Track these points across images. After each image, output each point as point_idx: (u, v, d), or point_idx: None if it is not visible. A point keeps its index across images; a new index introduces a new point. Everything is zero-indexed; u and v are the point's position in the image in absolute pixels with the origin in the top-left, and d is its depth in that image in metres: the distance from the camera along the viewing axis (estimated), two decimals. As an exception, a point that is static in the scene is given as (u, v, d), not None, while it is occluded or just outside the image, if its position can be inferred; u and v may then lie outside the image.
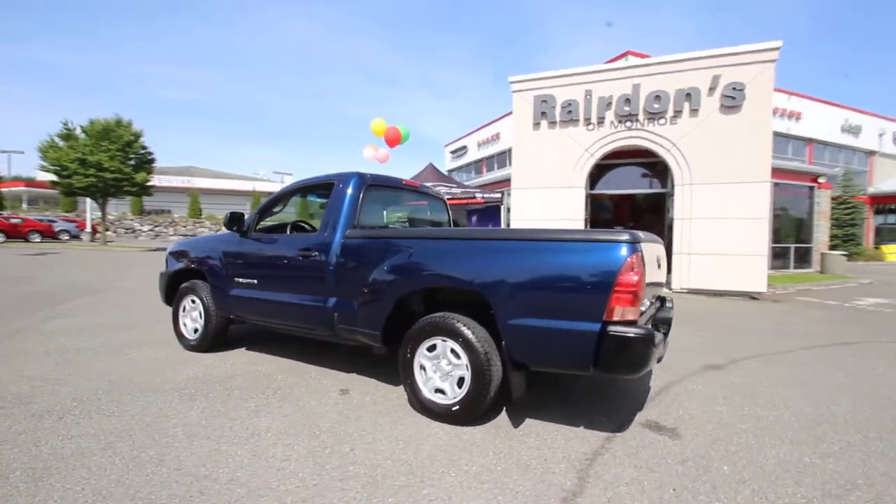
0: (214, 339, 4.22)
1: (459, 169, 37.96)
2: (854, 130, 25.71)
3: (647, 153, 10.24)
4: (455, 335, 2.72)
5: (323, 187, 3.68)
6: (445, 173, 14.03)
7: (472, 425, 2.78)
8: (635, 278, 2.26)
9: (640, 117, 9.90)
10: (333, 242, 3.35)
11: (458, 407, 2.74)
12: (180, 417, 2.81)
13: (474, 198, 12.02)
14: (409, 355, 2.92)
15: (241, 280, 3.89)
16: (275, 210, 4.11)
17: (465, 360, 2.71)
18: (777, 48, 8.79)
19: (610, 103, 10.11)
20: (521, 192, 11.15)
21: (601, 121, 10.27)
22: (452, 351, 2.77)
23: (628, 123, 10.05)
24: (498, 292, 2.56)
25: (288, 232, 4.16)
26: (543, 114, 10.70)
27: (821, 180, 15.37)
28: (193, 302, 4.29)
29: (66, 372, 3.61)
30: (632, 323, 2.31)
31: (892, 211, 25.37)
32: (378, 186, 3.71)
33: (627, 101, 9.93)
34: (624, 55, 19.25)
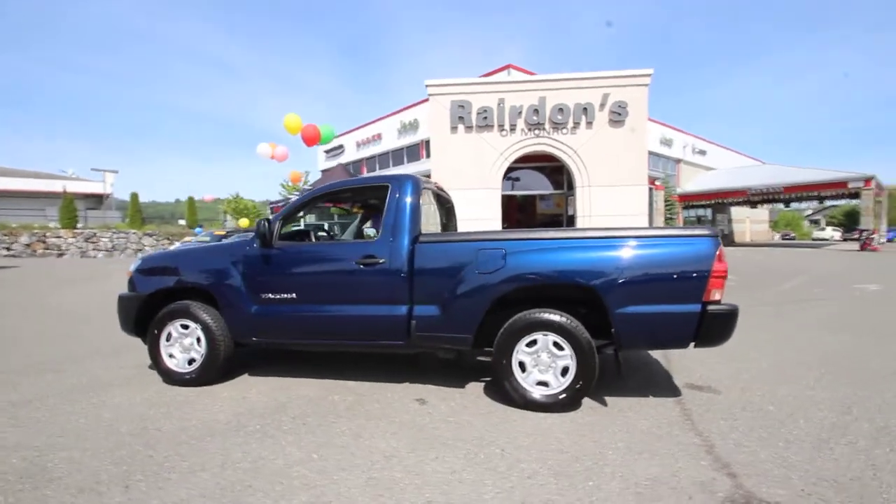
0: (222, 370, 3.61)
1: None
2: (668, 143, 32.52)
3: (552, 158, 11.52)
4: (559, 328, 2.92)
5: (372, 190, 3.45)
6: (350, 171, 13.56)
7: (571, 411, 3.01)
8: (725, 265, 2.78)
9: (547, 126, 11.10)
10: (402, 248, 3.22)
11: (564, 395, 2.94)
12: (283, 457, 2.44)
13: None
14: (506, 354, 3.01)
15: (270, 296, 3.41)
16: (299, 216, 3.69)
17: (568, 350, 2.93)
18: (649, 74, 10.77)
19: (521, 112, 11.09)
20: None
21: (513, 128, 11.20)
22: (555, 343, 2.96)
23: (537, 131, 11.17)
24: (608, 285, 2.85)
25: (313, 239, 3.78)
26: (461, 118, 11.20)
27: (657, 183, 19.11)
28: (185, 328, 3.58)
29: (47, 432, 2.74)
30: (719, 302, 2.83)
31: (693, 206, 33.01)
32: (423, 189, 3.65)
33: (536, 111, 11.03)
34: (505, 68, 21.08)
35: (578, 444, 2.56)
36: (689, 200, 31.73)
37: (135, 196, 28.82)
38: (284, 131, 10.31)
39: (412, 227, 3.29)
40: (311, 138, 10.40)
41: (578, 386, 2.92)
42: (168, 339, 3.63)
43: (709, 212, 36.10)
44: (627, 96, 10.79)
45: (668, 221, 29.14)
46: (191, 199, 32.21)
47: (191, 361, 3.59)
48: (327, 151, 37.03)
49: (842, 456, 2.41)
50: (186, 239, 22.91)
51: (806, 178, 25.97)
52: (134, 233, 24.90)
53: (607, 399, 3.20)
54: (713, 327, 2.79)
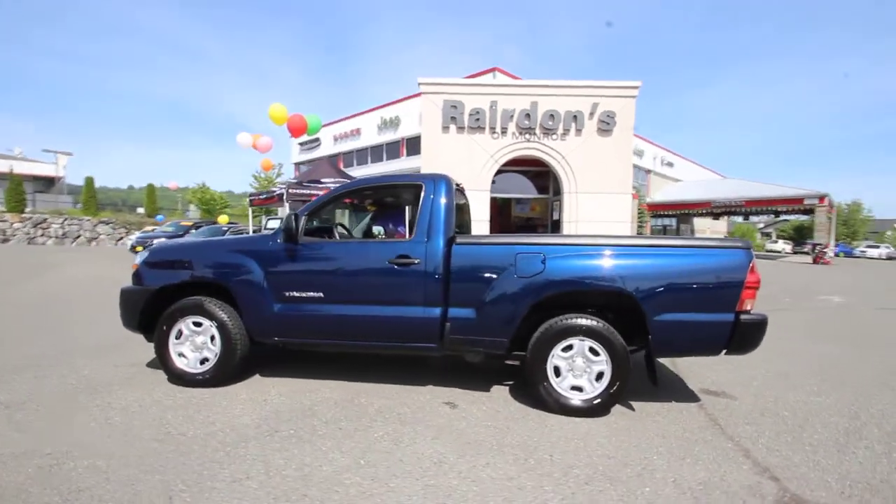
0: (237, 369, 3.44)
1: (311, 162, 35.83)
2: (639, 153, 33.64)
3: (539, 163, 11.69)
4: (596, 334, 2.95)
5: (404, 189, 3.37)
6: (334, 167, 13.24)
7: (603, 416, 3.04)
8: (758, 276, 2.88)
9: (538, 131, 11.25)
10: (438, 249, 3.16)
11: (599, 400, 2.98)
12: (329, 463, 2.35)
13: (380, 196, 11.78)
14: (540, 359, 3.01)
15: (295, 294, 3.27)
16: (324, 213, 3.56)
17: (604, 356, 2.97)
18: (637, 86, 11.11)
19: (512, 116, 11.20)
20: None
21: (504, 131, 11.30)
22: (591, 349, 2.99)
23: (527, 136, 11.31)
24: (647, 293, 2.90)
25: (336, 236, 3.66)
26: (453, 118, 11.19)
27: (633, 192, 19.73)
28: (197, 325, 3.39)
29: (56, 438, 2.52)
30: (749, 311, 2.94)
31: (661, 216, 34.30)
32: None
33: (527, 115, 11.16)
34: (491, 70, 21.22)
35: (622, 448, 2.59)
36: (657, 210, 32.97)
37: (90, 180, 27.02)
38: (269, 121, 9.96)
39: (447, 227, 3.25)
40: (298, 129, 10.10)
41: (613, 391, 2.96)
42: (178, 337, 3.42)
43: (674, 221, 37.62)
44: (616, 106, 11.09)
45: (639, 230, 30.16)
46: (151, 187, 30.46)
47: (203, 361, 3.40)
48: (302, 144, 36.12)
49: (865, 459, 2.55)
50: (148, 228, 21.76)
51: (766, 194, 27.51)
52: (88, 220, 23.30)
53: (637, 405, 3.26)
54: (745, 336, 2.90)
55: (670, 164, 39.14)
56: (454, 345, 3.18)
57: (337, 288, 3.26)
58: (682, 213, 33.27)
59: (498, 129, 11.29)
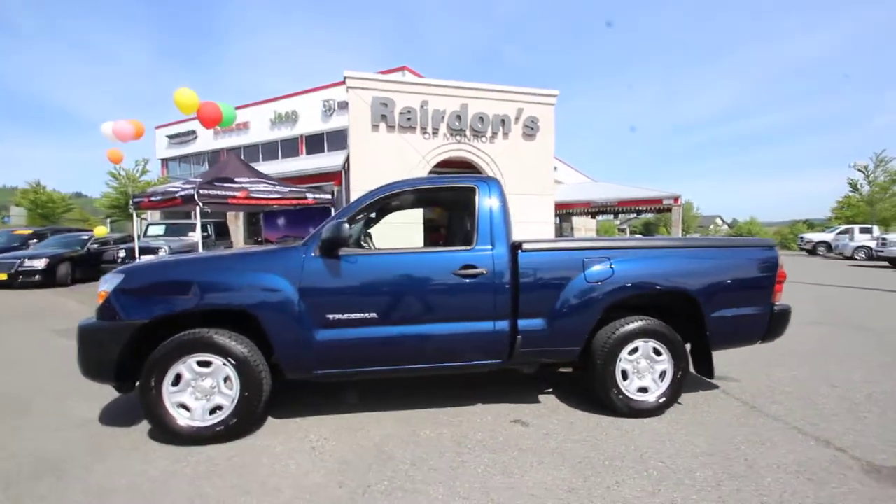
0: (261, 415, 2.79)
1: (184, 159, 31.42)
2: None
3: (471, 165, 11.84)
4: (661, 335, 3.03)
5: (454, 192, 3.03)
6: (245, 164, 11.66)
7: (664, 413, 3.13)
8: (785, 272, 3.23)
9: (468, 133, 11.37)
10: (504, 257, 2.94)
11: (663, 399, 3.06)
12: (463, 513, 2.01)
13: (304, 198, 10.73)
14: (610, 364, 2.99)
15: (340, 317, 2.75)
16: (358, 219, 3.06)
17: (666, 355, 3.06)
18: (555, 95, 11.89)
19: (444, 116, 11.14)
20: (360, 193, 10.80)
21: (436, 131, 11.19)
22: (655, 350, 3.06)
23: (458, 137, 11.36)
24: (704, 291, 3.05)
25: (371, 246, 3.18)
26: (383, 116, 10.74)
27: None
28: (204, 365, 2.66)
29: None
30: (779, 303, 3.28)
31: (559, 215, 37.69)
32: None
33: (458, 117, 11.21)
34: (401, 69, 20.81)
35: (709, 443, 2.69)
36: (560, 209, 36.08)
37: None
38: (176, 109, 8.34)
39: (509, 233, 3.04)
40: (211, 119, 8.66)
41: (676, 388, 3.07)
42: (176, 384, 2.65)
43: (558, 220, 41.38)
44: (538, 112, 11.74)
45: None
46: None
47: (215, 410, 2.69)
48: (171, 137, 31.47)
49: (879, 418, 3.01)
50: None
51: (634, 195, 31.74)
52: None
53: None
54: (778, 325, 3.23)
55: (555, 168, 43.00)
56: (524, 358, 3.00)
57: (393, 306, 2.82)
58: (566, 212, 36.84)
59: (430, 130, 11.13)
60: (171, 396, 2.64)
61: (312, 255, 2.80)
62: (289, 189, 10.65)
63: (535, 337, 2.95)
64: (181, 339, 2.64)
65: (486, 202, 3.07)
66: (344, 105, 23.76)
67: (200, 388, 2.68)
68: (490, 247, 2.95)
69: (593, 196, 34.72)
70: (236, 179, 10.13)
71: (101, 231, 13.20)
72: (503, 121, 11.48)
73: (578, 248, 3.04)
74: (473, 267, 2.88)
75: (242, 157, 27.93)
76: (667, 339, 3.05)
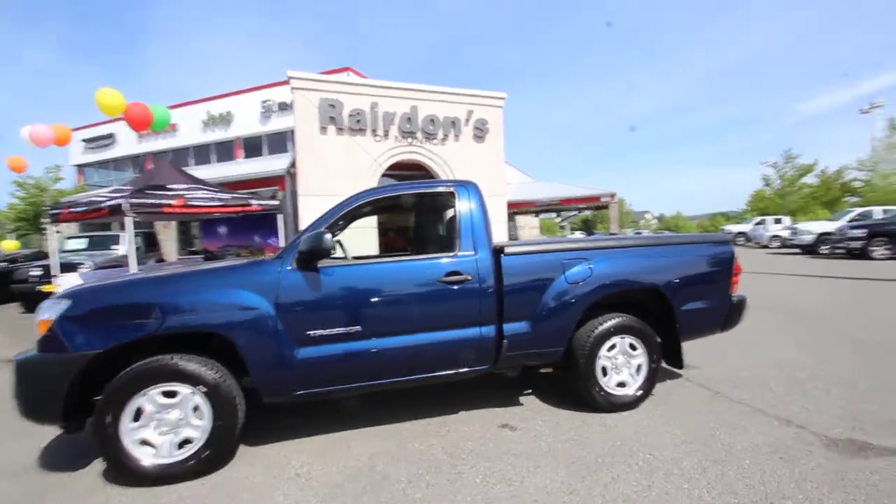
0: (237, 445, 2.56)
1: (103, 164, 28.68)
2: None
3: (422, 168, 11.78)
4: (636, 331, 3.16)
5: (433, 197, 2.95)
6: (179, 170, 10.80)
7: (640, 405, 3.26)
8: (740, 265, 3.48)
9: (419, 136, 11.31)
10: (488, 261, 2.92)
11: (641, 391, 3.19)
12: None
13: (248, 205, 10.11)
14: (591, 362, 3.07)
15: (322, 332, 2.59)
16: (338, 227, 2.90)
17: (641, 349, 3.19)
18: (503, 97, 12.14)
19: (394, 118, 11.00)
20: (310, 199, 10.43)
21: (387, 133, 11.02)
22: (630, 345, 3.18)
23: (410, 139, 11.26)
24: (673, 287, 3.21)
25: (347, 255, 3.03)
26: (332, 118, 10.41)
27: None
28: (169, 395, 2.41)
29: None
30: (735, 295, 3.52)
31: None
32: None
33: (409, 119, 11.11)
34: (345, 70, 20.23)
35: (687, 431, 2.82)
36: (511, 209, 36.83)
37: None
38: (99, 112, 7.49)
39: (490, 237, 3.03)
40: (140, 121, 7.90)
41: (651, 381, 3.21)
42: (137, 419, 2.37)
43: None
44: (488, 115, 11.92)
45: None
46: None
47: (184, 443, 2.43)
48: (88, 141, 28.62)
49: (826, 394, 3.31)
50: None
51: (575, 194, 33.25)
52: None
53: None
54: (736, 315, 3.47)
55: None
56: (510, 362, 3.00)
57: (378, 318, 2.71)
58: (512, 212, 37.83)
59: (380, 132, 10.94)
60: (131, 434, 2.36)
61: (289, 268, 2.62)
62: (231, 196, 10.01)
63: (521, 340, 2.95)
64: (141, 369, 2.36)
65: (466, 206, 3.03)
66: (285, 106, 22.86)
67: (166, 421, 2.41)
68: (473, 252, 2.92)
69: (537, 196, 35.90)
70: (170, 186, 9.36)
71: (11, 246, 11.70)
72: (454, 123, 11.54)
73: (558, 249, 3.09)
74: (458, 273, 2.83)
75: (171, 162, 26.02)
76: (642, 334, 3.17)
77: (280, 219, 11.88)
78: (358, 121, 10.63)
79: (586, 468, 2.43)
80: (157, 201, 8.61)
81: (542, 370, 3.76)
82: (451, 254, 2.91)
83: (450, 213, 3.02)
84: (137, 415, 2.38)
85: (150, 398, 2.38)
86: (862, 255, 13.15)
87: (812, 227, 16.65)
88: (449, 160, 11.64)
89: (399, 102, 11.05)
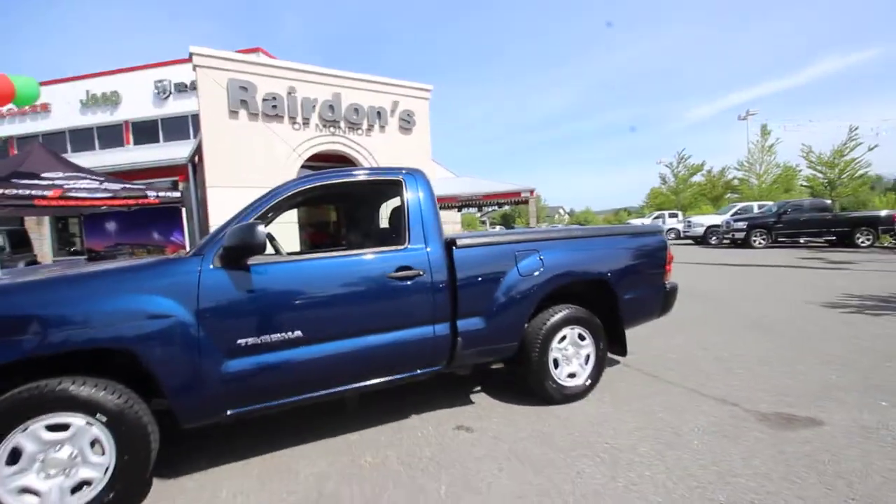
0: (149, 481, 2.10)
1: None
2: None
3: (347, 159, 11.22)
4: (585, 321, 3.17)
5: (376, 185, 2.65)
6: (55, 155, 9.08)
7: (587, 396, 3.29)
8: (672, 254, 3.66)
9: (343, 125, 10.73)
10: (440, 254, 2.71)
11: (590, 381, 3.21)
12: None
13: (144, 197, 8.81)
14: (544, 354, 3.02)
15: (254, 341, 2.20)
16: (268, 220, 2.48)
17: (589, 339, 3.22)
18: (429, 90, 11.95)
19: (315, 106, 10.31)
20: (220, 190, 9.39)
21: (307, 121, 10.30)
22: (580, 335, 3.19)
23: (332, 129, 10.64)
24: (617, 276, 3.26)
25: (281, 251, 2.63)
26: (244, 102, 9.47)
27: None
28: (59, 430, 1.90)
29: None
30: (668, 282, 3.70)
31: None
32: None
33: (331, 107, 10.49)
34: (255, 50, 18.53)
35: (636, 418, 2.88)
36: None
37: None
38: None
39: (440, 229, 2.82)
40: (1, 96, 6.46)
41: (600, 370, 3.25)
42: (13, 462, 1.83)
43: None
44: (414, 106, 11.68)
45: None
46: None
47: (79, 487, 1.93)
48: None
49: (749, 373, 3.61)
50: None
51: (496, 189, 34.18)
52: None
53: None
54: (670, 301, 3.65)
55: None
56: (464, 360, 2.83)
57: (322, 320, 2.37)
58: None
59: (299, 120, 10.16)
60: (6, 482, 1.81)
61: (211, 266, 2.19)
62: (121, 186, 8.69)
63: (475, 337, 2.80)
64: (16, 399, 1.82)
65: (415, 196, 2.80)
66: (183, 87, 20.60)
67: (54, 461, 1.89)
68: (424, 245, 2.70)
69: (459, 191, 36.45)
70: (45, 175, 7.90)
71: None
72: (379, 113, 11.13)
73: (509, 241, 2.98)
74: (409, 269, 2.59)
75: (41, 146, 22.22)
76: (589, 324, 3.19)
77: (184, 212, 10.63)
78: (274, 106, 9.79)
79: (551, 466, 2.35)
80: (28, 192, 7.23)
81: (492, 366, 3.67)
82: (401, 247, 2.66)
83: (390, 203, 2.77)
84: (14, 457, 1.83)
85: (31, 434, 1.85)
86: (745, 244, 15.10)
87: (703, 221, 18.79)
88: (374, 152, 11.21)
89: (320, 88, 10.37)
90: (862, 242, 14.57)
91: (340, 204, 3.81)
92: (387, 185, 2.88)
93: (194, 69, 9.20)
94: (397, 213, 2.87)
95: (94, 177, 8.72)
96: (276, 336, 2.26)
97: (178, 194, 9.81)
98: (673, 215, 25.95)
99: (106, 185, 8.56)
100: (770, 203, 19.33)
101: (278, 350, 2.27)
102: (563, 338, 3.12)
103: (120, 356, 2.03)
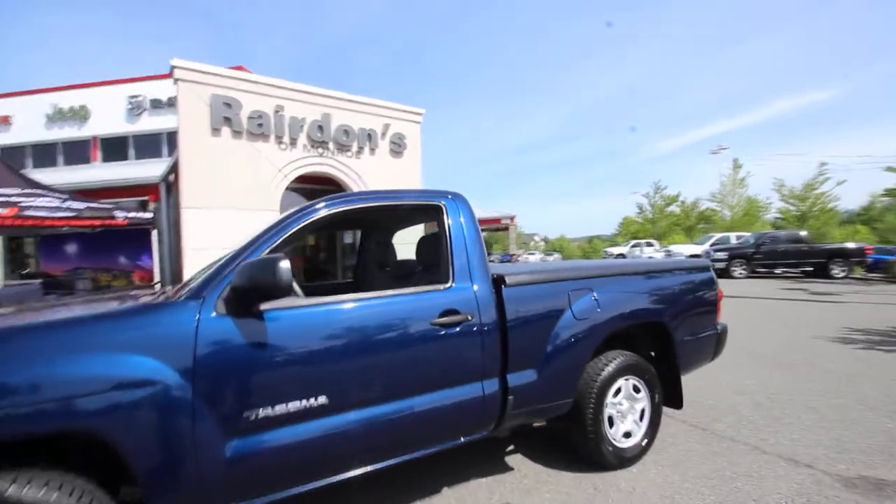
0: None
1: None
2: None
3: (333, 182, 10.73)
4: (639, 370, 2.75)
5: (412, 212, 2.20)
6: (12, 169, 8.20)
7: (643, 459, 2.84)
8: (721, 291, 3.32)
9: (332, 146, 10.28)
10: (489, 296, 2.26)
11: (646, 440, 2.78)
12: None
13: (111, 218, 8.03)
14: (596, 412, 2.57)
15: (266, 413, 1.67)
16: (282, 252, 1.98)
17: (644, 391, 2.80)
18: (421, 113, 11.70)
19: (303, 126, 9.86)
20: (196, 211, 8.69)
21: (294, 142, 9.81)
22: (634, 387, 2.77)
23: (321, 150, 10.17)
24: (673, 317, 2.88)
25: (298, 291, 2.11)
26: (227, 119, 8.92)
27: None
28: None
29: None
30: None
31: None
32: None
33: (320, 128, 10.05)
34: (237, 69, 17.98)
35: (710, 488, 2.45)
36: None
37: None
38: None
39: (487, 264, 2.38)
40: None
41: (656, 426, 2.82)
42: None
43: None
44: (405, 130, 11.38)
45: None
46: None
47: None
48: None
49: (818, 427, 3.26)
50: None
51: (479, 215, 34.33)
52: None
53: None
54: (721, 343, 3.28)
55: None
56: (513, 421, 2.35)
57: (353, 381, 1.86)
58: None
59: (286, 140, 9.65)
60: None
61: (213, 314, 1.67)
62: (86, 206, 7.93)
63: (528, 393, 2.33)
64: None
65: (457, 224, 2.36)
66: (158, 104, 19.85)
67: None
68: (470, 283, 2.25)
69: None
70: (1, 191, 7.09)
71: None
72: (370, 135, 10.76)
73: (563, 278, 2.56)
74: (457, 312, 2.12)
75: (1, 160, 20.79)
76: (644, 374, 2.78)
77: (154, 235, 9.84)
78: (259, 125, 9.27)
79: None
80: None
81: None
82: (444, 286, 2.20)
83: (411, 230, 2.32)
84: None
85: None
86: (725, 274, 15.22)
87: (682, 250, 19.00)
88: (363, 175, 10.77)
89: (309, 108, 9.94)
90: (836, 273, 14.94)
91: (357, 229, 3.33)
92: (422, 211, 2.44)
93: (175, 83, 8.64)
94: (432, 244, 2.43)
95: (56, 194, 7.93)
96: (294, 405, 1.74)
97: (149, 215, 9.08)
98: (649, 244, 26.32)
99: (69, 203, 7.79)
100: (746, 234, 19.81)
101: (296, 422, 1.74)
102: (618, 391, 2.70)
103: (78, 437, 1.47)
